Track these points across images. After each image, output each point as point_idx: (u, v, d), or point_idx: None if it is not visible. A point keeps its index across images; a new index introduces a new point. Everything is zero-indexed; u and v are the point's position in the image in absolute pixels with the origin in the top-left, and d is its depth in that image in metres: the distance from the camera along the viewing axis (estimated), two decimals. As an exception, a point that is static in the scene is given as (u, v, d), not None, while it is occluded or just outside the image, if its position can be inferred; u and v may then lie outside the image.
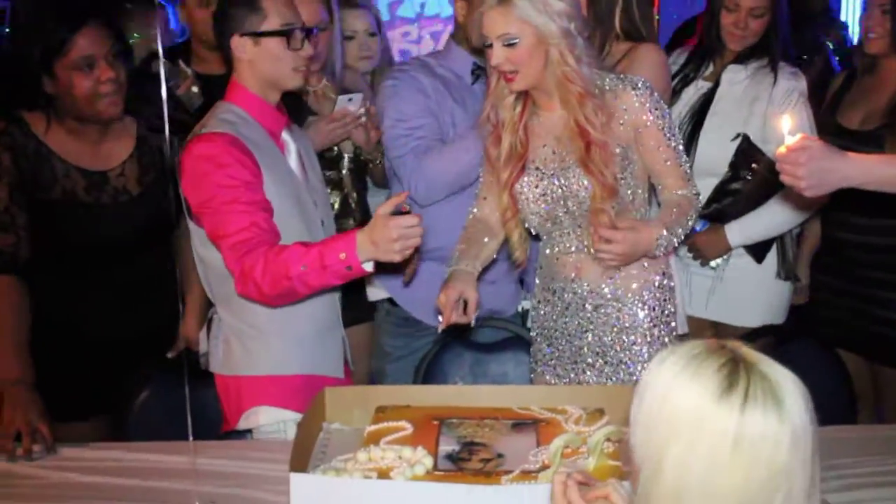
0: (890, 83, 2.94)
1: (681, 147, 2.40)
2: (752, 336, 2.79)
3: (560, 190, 2.34)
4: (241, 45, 2.30)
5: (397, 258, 2.06)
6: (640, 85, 2.34)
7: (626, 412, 1.91)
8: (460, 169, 2.79)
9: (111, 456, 2.22)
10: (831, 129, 2.93)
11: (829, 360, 2.72)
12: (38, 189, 2.47)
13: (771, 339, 2.85)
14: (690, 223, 2.41)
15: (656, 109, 2.34)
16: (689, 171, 2.42)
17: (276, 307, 2.27)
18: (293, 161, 2.42)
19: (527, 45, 2.24)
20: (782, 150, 1.99)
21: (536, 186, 2.37)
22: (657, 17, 6.96)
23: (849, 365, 2.78)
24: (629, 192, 2.36)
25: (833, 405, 2.60)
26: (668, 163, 2.37)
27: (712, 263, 3.03)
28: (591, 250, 2.33)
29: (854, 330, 3.03)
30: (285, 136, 2.42)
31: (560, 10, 2.23)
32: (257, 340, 2.35)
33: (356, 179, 3.07)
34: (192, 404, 1.95)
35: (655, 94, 2.36)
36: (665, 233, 2.32)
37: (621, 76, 2.38)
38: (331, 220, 2.58)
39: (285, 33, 2.29)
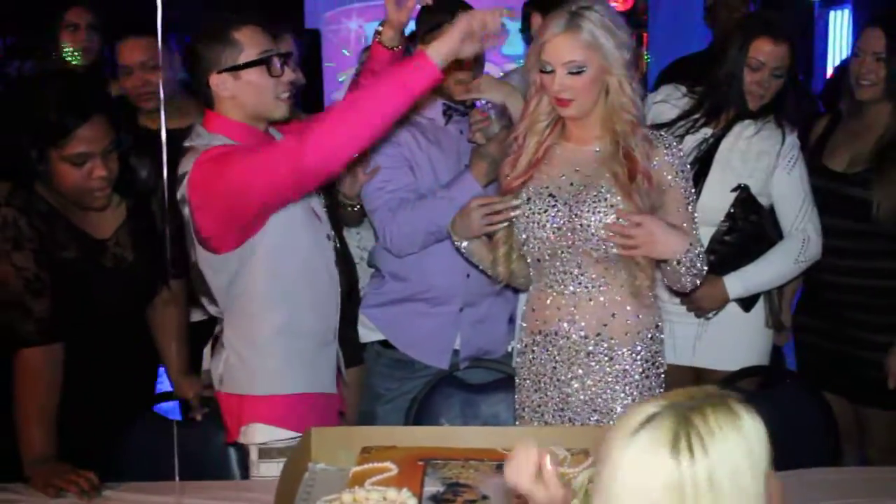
0: (877, 126, 2.96)
1: (695, 214, 2.40)
2: (736, 378, 2.80)
3: (570, 221, 2.32)
4: (221, 83, 2.28)
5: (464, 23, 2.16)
6: (672, 145, 2.35)
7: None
8: (430, 228, 2.81)
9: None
10: (818, 172, 2.95)
11: (813, 401, 2.73)
12: (58, 248, 2.43)
13: (755, 380, 2.87)
14: (700, 278, 2.39)
15: (682, 172, 2.35)
16: (698, 238, 2.40)
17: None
18: None
19: (591, 74, 2.25)
20: None
21: (546, 211, 2.35)
22: (647, 56, 7.07)
23: (833, 406, 2.78)
24: None
25: (817, 447, 2.61)
26: (685, 225, 2.35)
27: (709, 315, 2.98)
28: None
29: (838, 372, 3.04)
30: None
31: (622, 41, 2.26)
32: (258, 360, 2.37)
33: (331, 216, 3.04)
34: (178, 445, 1.95)
35: (684, 156, 2.38)
36: (691, 248, 2.28)
37: (654, 132, 2.39)
38: (333, 236, 2.57)
39: (265, 61, 2.28)
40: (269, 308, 2.35)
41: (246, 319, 2.37)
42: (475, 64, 2.90)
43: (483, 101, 2.90)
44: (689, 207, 2.37)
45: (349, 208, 3.04)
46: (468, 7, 2.91)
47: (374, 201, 2.89)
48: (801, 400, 2.73)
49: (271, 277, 2.33)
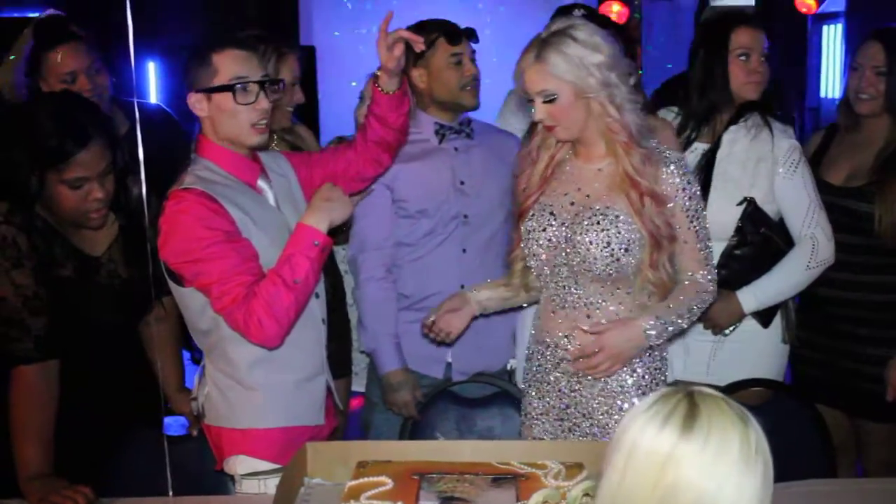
0: (876, 140, 2.99)
1: (703, 231, 2.38)
2: (733, 390, 2.79)
3: (565, 241, 2.34)
4: (196, 103, 2.30)
5: (347, 202, 2.34)
6: (673, 163, 2.32)
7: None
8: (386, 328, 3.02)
9: (92, 512, 2.22)
10: (816, 186, 2.94)
11: (807, 414, 2.73)
12: (55, 265, 2.44)
13: (754, 393, 2.86)
14: (696, 309, 2.37)
15: (684, 190, 2.32)
16: (709, 255, 2.39)
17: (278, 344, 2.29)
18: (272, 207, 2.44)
19: (566, 100, 2.26)
20: None
21: (545, 230, 2.37)
22: (640, 70, 7.09)
23: (828, 418, 2.78)
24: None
25: (811, 460, 2.61)
26: (686, 244, 2.34)
27: (726, 331, 2.97)
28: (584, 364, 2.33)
29: (835, 385, 3.05)
30: (261, 183, 2.42)
31: (598, 62, 2.24)
32: (237, 394, 2.37)
33: None
34: (172, 460, 1.96)
35: (689, 174, 2.36)
36: (653, 321, 2.29)
37: (658, 148, 2.36)
38: None
39: (232, 88, 2.26)
40: (241, 343, 2.33)
41: (221, 353, 2.37)
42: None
43: None
44: (694, 225, 2.34)
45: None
46: (454, 26, 2.96)
47: (354, 246, 3.02)
48: (795, 412, 2.74)
49: None
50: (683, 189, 2.32)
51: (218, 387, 2.39)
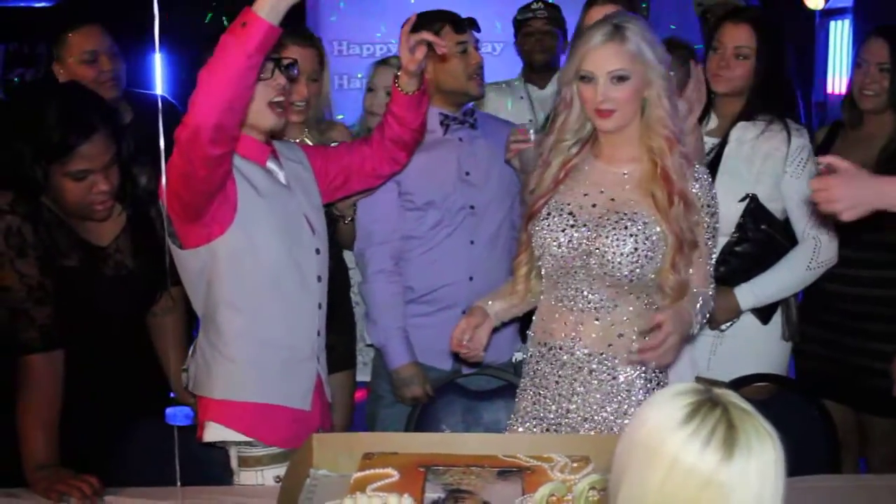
0: (880, 136, 3.00)
1: (715, 249, 2.37)
2: (742, 383, 2.80)
3: (585, 243, 2.29)
4: None
5: None
6: (701, 178, 2.31)
7: (611, 460, 1.92)
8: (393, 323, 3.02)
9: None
10: None
11: (812, 409, 2.73)
12: (60, 255, 2.45)
13: (769, 386, 2.85)
14: (705, 319, 2.36)
15: (708, 207, 2.31)
16: (711, 272, 2.38)
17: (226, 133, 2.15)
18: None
19: (634, 84, 2.24)
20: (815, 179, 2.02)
21: (563, 231, 2.31)
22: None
23: (833, 414, 2.78)
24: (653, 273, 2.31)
25: (816, 455, 2.62)
26: (700, 259, 2.32)
27: (722, 326, 2.98)
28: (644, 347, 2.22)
29: (841, 380, 3.05)
30: (271, 165, 2.42)
31: (661, 55, 2.26)
32: (218, 364, 2.37)
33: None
34: (180, 450, 1.96)
35: (714, 190, 2.34)
36: (697, 314, 2.28)
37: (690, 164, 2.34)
38: (325, 250, 2.56)
39: None
40: (229, 311, 2.35)
41: (211, 320, 2.38)
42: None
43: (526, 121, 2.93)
44: (710, 242, 2.34)
45: (341, 221, 3.05)
46: (456, 17, 2.97)
47: (361, 240, 3.03)
48: (800, 408, 2.74)
49: (232, 280, 2.33)
50: (708, 205, 2.31)
51: (204, 356, 2.39)
